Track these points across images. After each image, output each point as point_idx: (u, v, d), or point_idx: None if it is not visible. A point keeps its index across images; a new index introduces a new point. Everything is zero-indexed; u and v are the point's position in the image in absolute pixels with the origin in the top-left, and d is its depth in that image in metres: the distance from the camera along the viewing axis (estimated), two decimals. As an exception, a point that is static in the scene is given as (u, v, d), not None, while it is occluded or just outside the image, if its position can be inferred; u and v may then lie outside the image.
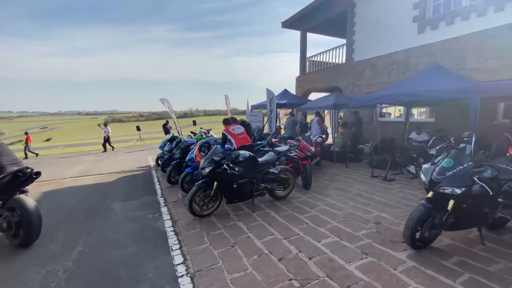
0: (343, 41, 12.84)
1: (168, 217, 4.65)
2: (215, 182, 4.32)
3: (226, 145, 5.77)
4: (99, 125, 16.02)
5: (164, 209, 5.05)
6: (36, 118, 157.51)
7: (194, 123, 22.01)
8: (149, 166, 9.72)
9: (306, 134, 9.61)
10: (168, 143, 8.57)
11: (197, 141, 7.53)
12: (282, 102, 12.33)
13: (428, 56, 8.95)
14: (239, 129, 5.64)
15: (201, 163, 4.31)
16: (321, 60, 14.19)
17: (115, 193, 6.28)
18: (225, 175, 4.23)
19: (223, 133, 5.62)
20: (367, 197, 5.37)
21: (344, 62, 12.44)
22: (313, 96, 15.08)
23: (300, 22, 14.49)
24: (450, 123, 8.36)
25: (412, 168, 7.32)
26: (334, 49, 13.10)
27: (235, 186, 4.37)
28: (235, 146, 5.32)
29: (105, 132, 15.76)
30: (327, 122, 12.19)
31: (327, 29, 14.44)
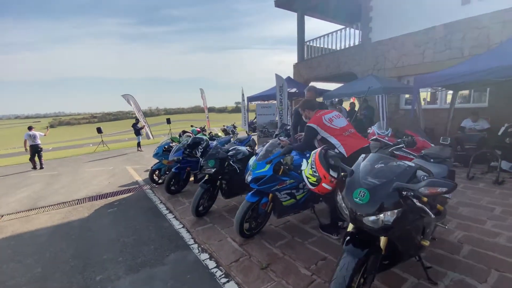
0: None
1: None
2: (383, 238, 1.83)
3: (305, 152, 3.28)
4: (47, 128, 11.44)
5: (233, 290, 2.39)
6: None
7: (168, 121, 18.57)
8: (136, 182, 6.61)
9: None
10: (167, 148, 5.71)
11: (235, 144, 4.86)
12: (292, 90, 9.98)
13: (477, 30, 7.36)
14: (340, 120, 3.13)
15: (363, 199, 1.75)
16: (323, 46, 12.16)
17: (105, 248, 3.33)
18: (417, 221, 1.78)
19: (308, 128, 3.07)
20: (535, 218, 3.34)
21: (356, 43, 10.54)
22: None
23: (296, 1, 12.21)
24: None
25: (505, 164, 5.58)
26: (342, 30, 11.11)
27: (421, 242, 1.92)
28: (344, 152, 2.81)
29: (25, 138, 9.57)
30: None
31: (329, 10, 12.40)
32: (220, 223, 3.77)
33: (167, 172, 6.19)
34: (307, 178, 2.15)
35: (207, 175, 3.97)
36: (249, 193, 3.11)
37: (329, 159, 2.08)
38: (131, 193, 5.70)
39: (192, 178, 5.71)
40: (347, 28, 10.92)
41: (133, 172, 7.81)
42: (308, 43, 12.77)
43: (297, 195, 3.15)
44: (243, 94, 12.17)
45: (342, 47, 11.08)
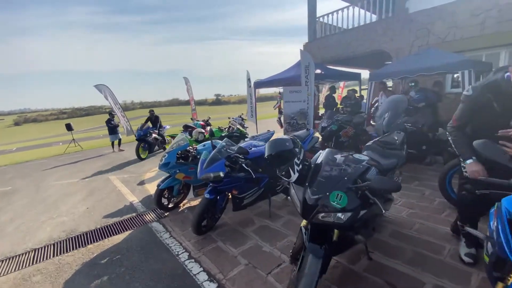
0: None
1: None
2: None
3: None
4: None
5: None
6: None
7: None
8: (131, 207, 4.22)
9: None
10: (181, 155, 3.47)
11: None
12: (316, 71, 7.89)
13: (559, -10, 5.70)
14: None
15: None
16: (340, 25, 10.12)
17: None
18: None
19: None
20: None
21: (386, 16, 8.61)
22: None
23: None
24: None
25: None
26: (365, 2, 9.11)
27: None
28: None
29: None
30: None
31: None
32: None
33: (182, 192, 3.91)
34: None
35: (306, 222, 1.82)
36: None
37: None
38: (128, 232, 3.36)
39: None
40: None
41: (121, 186, 5.35)
42: (320, 20, 10.65)
43: None
44: (249, 79, 9.88)
45: (367, 22, 9.10)
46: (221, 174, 2.70)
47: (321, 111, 10.76)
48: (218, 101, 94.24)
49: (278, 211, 3.47)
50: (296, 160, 1.79)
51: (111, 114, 10.99)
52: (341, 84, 15.80)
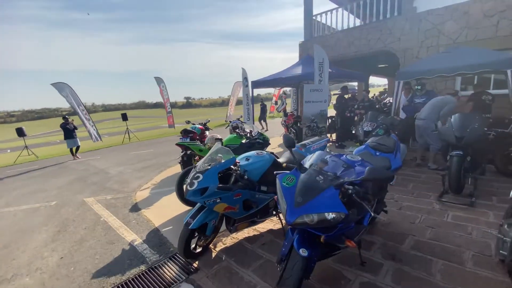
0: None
1: None
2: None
3: None
4: None
5: None
6: None
7: (124, 117, 13.79)
8: (134, 253, 2.80)
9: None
10: (224, 173, 2.21)
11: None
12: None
13: None
14: None
15: None
16: (336, 25, 9.46)
17: None
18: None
19: None
20: None
21: (393, 15, 8.10)
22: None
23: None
24: None
25: None
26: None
27: None
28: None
29: None
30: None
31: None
32: None
33: (215, 227, 2.62)
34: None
35: None
36: None
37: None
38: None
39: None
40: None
41: (107, 215, 3.79)
42: (318, 18, 9.89)
43: None
44: (245, 78, 8.72)
45: (374, 20, 8.53)
46: (334, 216, 1.53)
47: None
48: (189, 104, 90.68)
49: (367, 254, 2.38)
50: None
51: (65, 117, 9.07)
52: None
